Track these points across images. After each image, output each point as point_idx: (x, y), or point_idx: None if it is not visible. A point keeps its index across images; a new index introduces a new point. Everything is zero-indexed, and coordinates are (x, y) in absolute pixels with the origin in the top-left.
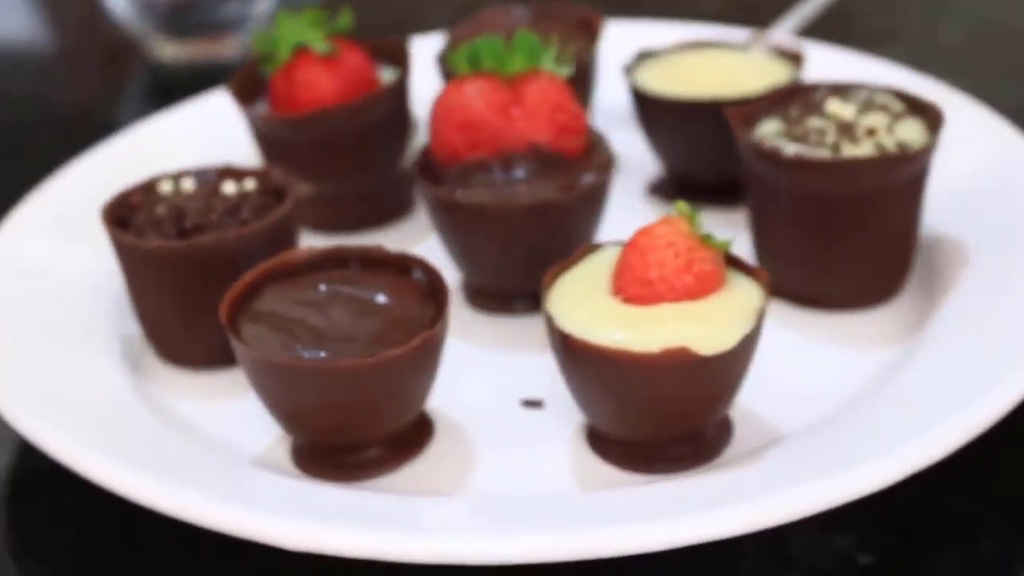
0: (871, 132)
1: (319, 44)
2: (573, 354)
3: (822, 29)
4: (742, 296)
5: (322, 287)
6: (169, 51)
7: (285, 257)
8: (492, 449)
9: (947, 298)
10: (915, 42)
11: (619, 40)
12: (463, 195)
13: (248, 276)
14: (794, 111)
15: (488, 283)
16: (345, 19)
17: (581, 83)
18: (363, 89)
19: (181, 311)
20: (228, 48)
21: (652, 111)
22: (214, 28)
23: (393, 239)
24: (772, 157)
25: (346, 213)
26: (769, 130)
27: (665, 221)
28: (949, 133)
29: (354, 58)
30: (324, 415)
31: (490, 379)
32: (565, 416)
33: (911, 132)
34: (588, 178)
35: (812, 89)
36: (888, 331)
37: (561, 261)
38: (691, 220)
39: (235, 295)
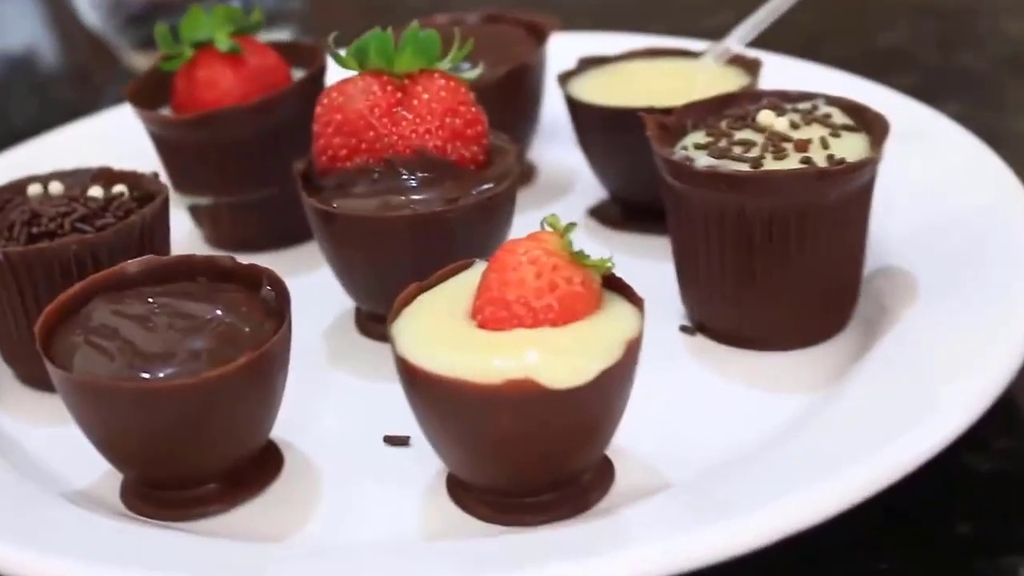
0: (801, 146)
1: (223, 42)
2: (412, 382)
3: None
4: (613, 325)
5: (156, 300)
6: (139, 61)
7: (122, 268)
8: (342, 490)
9: (879, 342)
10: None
11: (577, 51)
12: (339, 205)
13: (75, 288)
14: (724, 123)
15: (372, 305)
16: (256, 16)
17: (520, 90)
18: (267, 90)
19: (26, 325)
20: None
21: (584, 120)
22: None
23: (302, 259)
24: (682, 170)
25: (247, 229)
26: (692, 142)
27: (532, 237)
28: (913, 149)
29: (261, 58)
30: (141, 443)
31: (358, 411)
32: (431, 456)
33: (851, 147)
34: (481, 189)
35: (750, 99)
36: (811, 374)
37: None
38: (562, 235)
39: (56, 308)
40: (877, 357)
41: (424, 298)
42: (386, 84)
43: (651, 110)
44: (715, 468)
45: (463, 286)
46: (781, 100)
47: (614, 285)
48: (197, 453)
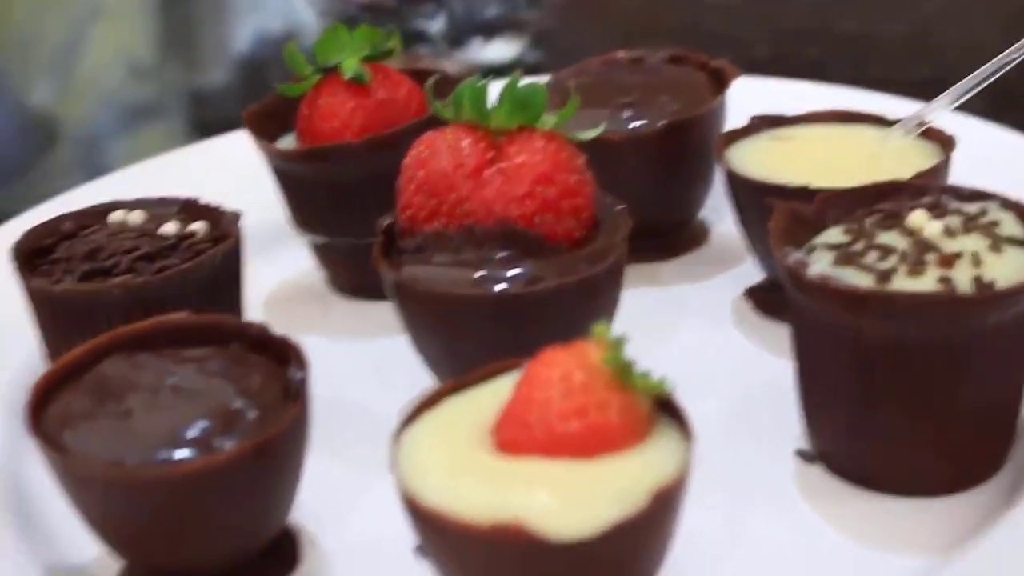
0: (947, 261)
1: (348, 68)
2: (409, 510)
3: None
4: (649, 465)
5: (171, 369)
6: None
7: (146, 325)
8: None
9: None
10: None
11: (760, 101)
12: (408, 273)
13: (89, 344)
14: (870, 220)
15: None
16: (393, 42)
17: (686, 144)
18: (394, 124)
19: None
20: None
21: (738, 192)
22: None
23: None
24: (793, 276)
25: (363, 275)
26: (825, 241)
27: (571, 347)
28: None
29: (392, 89)
30: (126, 530)
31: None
32: None
33: (1011, 266)
34: (570, 271)
35: (913, 191)
36: (938, 529)
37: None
38: (612, 349)
39: (61, 367)
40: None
41: (450, 403)
42: (479, 141)
43: (803, 191)
44: None
45: (499, 393)
46: (948, 197)
47: (672, 410)
48: (190, 545)
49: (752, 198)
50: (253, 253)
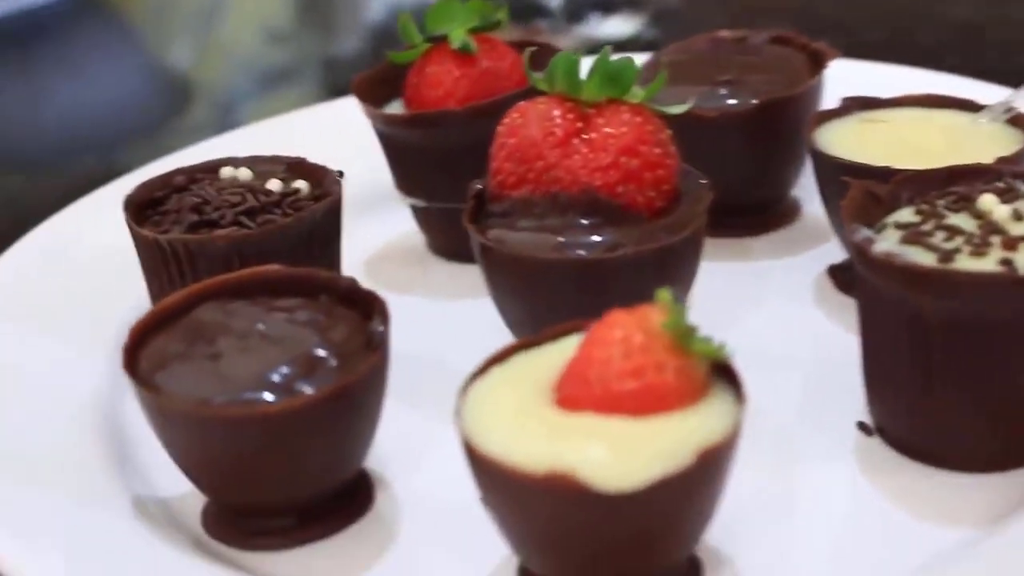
0: (1011, 243)
1: (456, 38)
2: (467, 453)
3: None
4: (699, 426)
5: (261, 317)
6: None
7: (242, 275)
8: (413, 551)
9: None
10: None
11: (856, 83)
12: (494, 236)
13: (184, 291)
14: (943, 201)
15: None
16: (500, 14)
17: (780, 123)
18: (497, 93)
19: None
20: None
21: (823, 172)
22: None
23: None
24: (860, 253)
25: (458, 239)
26: (896, 220)
27: (635, 311)
28: None
29: (496, 59)
30: (209, 466)
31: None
32: None
33: None
34: (650, 238)
35: (990, 174)
36: (991, 503)
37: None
38: (673, 313)
39: (159, 311)
40: None
41: (518, 359)
42: (569, 111)
43: (883, 172)
44: None
45: (565, 352)
46: (1022, 181)
47: (730, 375)
48: (270, 484)
49: (833, 177)
50: (359, 214)
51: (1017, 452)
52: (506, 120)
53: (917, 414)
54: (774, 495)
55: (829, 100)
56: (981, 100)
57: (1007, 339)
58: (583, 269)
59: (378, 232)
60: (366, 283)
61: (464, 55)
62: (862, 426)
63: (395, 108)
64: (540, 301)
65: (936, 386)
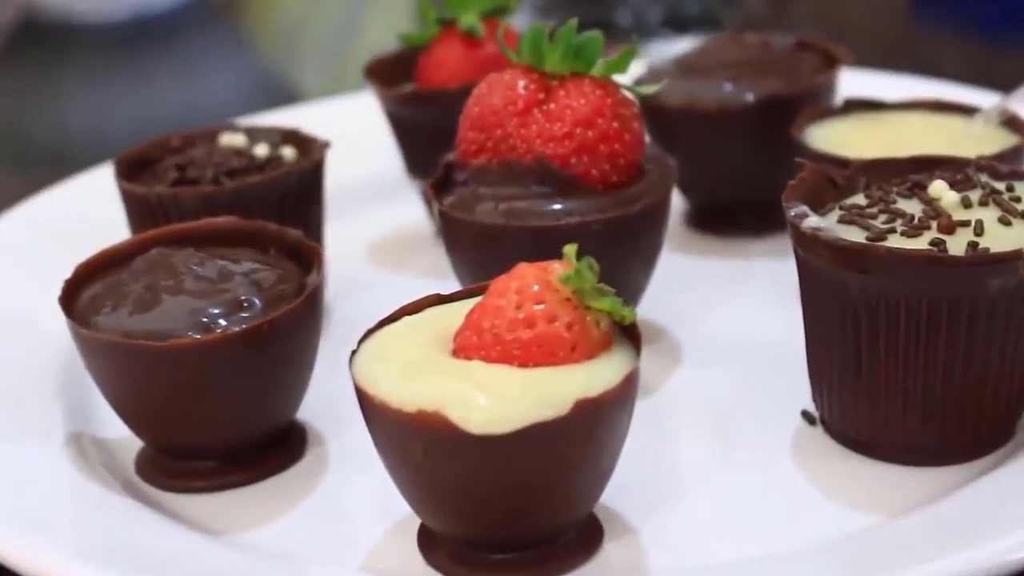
0: (948, 227)
1: (464, 22)
2: (358, 399)
3: None
4: (585, 379)
5: (203, 264)
6: None
7: (193, 225)
8: (334, 502)
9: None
10: None
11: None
12: (450, 202)
13: (139, 236)
14: (897, 188)
15: None
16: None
17: (776, 120)
18: None
19: None
20: None
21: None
22: None
23: None
24: (793, 228)
25: None
26: (849, 203)
27: (537, 266)
28: None
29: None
30: (136, 403)
31: None
32: None
33: (1016, 239)
34: (599, 210)
35: (954, 166)
36: (910, 495)
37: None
38: (574, 268)
39: (107, 254)
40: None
41: (433, 311)
42: (533, 82)
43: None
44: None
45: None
46: (984, 174)
47: (633, 336)
48: (194, 424)
49: None
50: (375, 197)
51: (954, 445)
52: (475, 90)
53: (850, 402)
54: (699, 472)
55: None
56: (982, 106)
57: (929, 323)
58: (531, 236)
59: (389, 217)
60: (367, 264)
61: (471, 38)
62: (806, 415)
63: (408, 90)
64: (490, 267)
65: (864, 371)
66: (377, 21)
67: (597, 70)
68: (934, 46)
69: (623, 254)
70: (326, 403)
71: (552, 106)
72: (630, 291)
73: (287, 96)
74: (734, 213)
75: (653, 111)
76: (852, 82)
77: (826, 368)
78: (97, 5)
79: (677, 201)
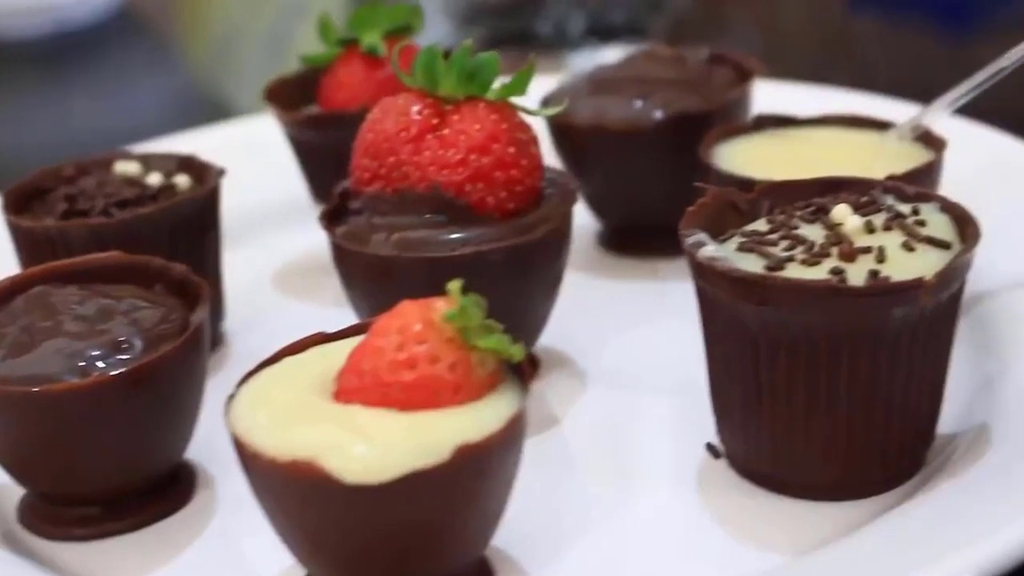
0: (849, 254)
1: (365, 41)
2: (234, 446)
3: None
4: (467, 423)
5: (84, 302)
6: None
7: (75, 262)
8: (212, 549)
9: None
10: None
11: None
12: (343, 232)
13: (25, 273)
14: (800, 212)
15: None
16: (413, 19)
17: (687, 137)
18: None
19: None
20: None
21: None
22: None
23: None
24: (689, 257)
25: None
26: (749, 229)
27: (421, 303)
28: None
29: (407, 61)
30: (10, 449)
31: None
32: None
33: (917, 266)
34: (495, 239)
35: (860, 187)
36: (817, 531)
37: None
38: (459, 306)
39: None
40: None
41: (316, 351)
42: (427, 107)
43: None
44: None
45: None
46: (889, 195)
47: (523, 374)
48: (67, 470)
49: None
50: (281, 222)
51: (861, 480)
52: (369, 115)
53: (754, 436)
54: (598, 509)
55: None
56: (898, 121)
57: (830, 355)
58: (425, 267)
59: (295, 243)
60: (271, 292)
61: (373, 59)
62: (711, 448)
63: (311, 112)
64: (385, 300)
65: (766, 405)
66: (312, 30)
67: (494, 93)
68: (870, 50)
69: (522, 284)
70: (217, 443)
71: (446, 132)
72: (530, 321)
73: (217, 110)
74: (647, 233)
75: (562, 130)
76: (774, 94)
77: (728, 402)
78: (17, 21)
79: (591, 221)
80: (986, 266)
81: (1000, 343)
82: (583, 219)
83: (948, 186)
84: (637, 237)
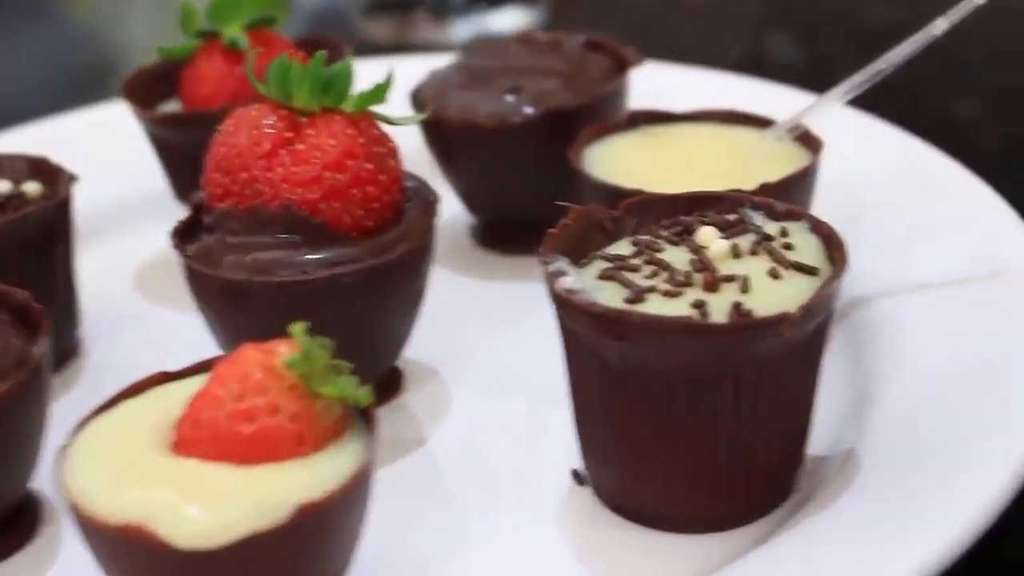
0: (712, 284)
1: (227, 33)
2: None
3: None
4: (309, 478)
5: None
6: (377, 29)
7: None
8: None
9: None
10: None
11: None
12: (193, 251)
13: None
14: (666, 232)
15: None
16: (278, 9)
17: (563, 135)
18: None
19: None
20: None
21: (585, 194)
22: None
23: None
24: (549, 288)
25: None
26: (612, 251)
27: (262, 348)
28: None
29: (268, 55)
30: None
31: None
32: None
33: (784, 296)
34: (352, 260)
35: (729, 203)
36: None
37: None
38: (302, 350)
39: None
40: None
41: (156, 393)
42: (281, 120)
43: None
44: None
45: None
46: (758, 212)
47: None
48: None
49: (592, 198)
50: (144, 219)
51: (726, 513)
52: (222, 126)
53: (617, 470)
54: (458, 540)
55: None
56: (778, 116)
57: (693, 391)
58: (278, 292)
59: (159, 243)
60: (132, 298)
61: (234, 52)
62: (576, 475)
63: (172, 107)
64: (240, 326)
65: (627, 440)
66: None
67: (350, 103)
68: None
69: (381, 305)
70: None
71: (300, 147)
72: (392, 339)
73: (106, 66)
74: (521, 229)
75: (432, 126)
76: (656, 77)
77: (591, 433)
78: None
79: (463, 213)
80: (865, 273)
81: (873, 357)
82: (455, 211)
83: (832, 186)
84: (511, 233)
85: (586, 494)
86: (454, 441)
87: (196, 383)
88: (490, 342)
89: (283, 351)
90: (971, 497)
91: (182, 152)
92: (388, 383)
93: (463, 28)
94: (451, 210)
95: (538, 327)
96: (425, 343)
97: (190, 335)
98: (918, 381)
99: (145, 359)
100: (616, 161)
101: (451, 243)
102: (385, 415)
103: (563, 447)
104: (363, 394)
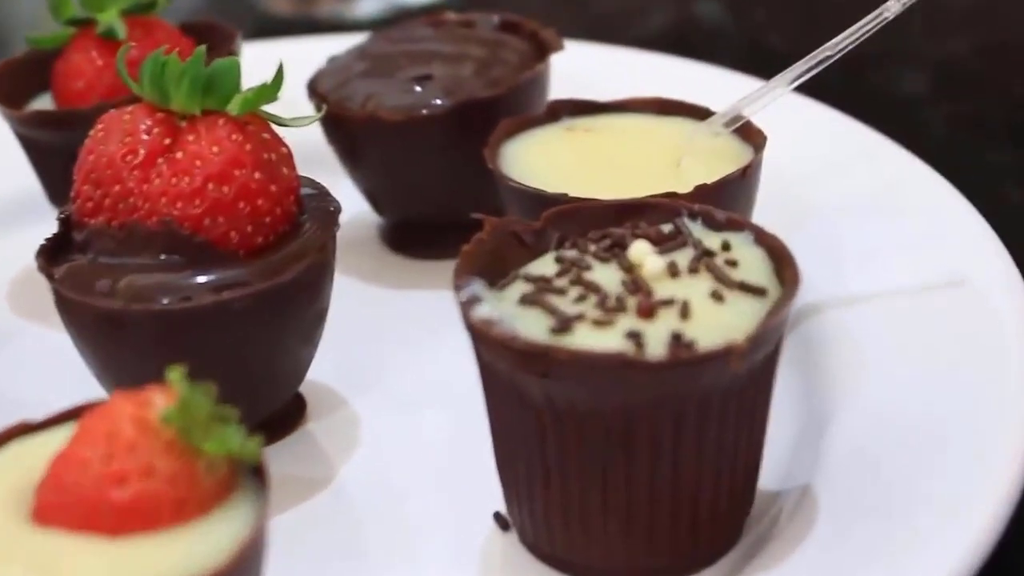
0: (647, 310)
1: (103, 21)
2: None
3: None
4: (192, 549)
5: None
6: (280, 5)
7: None
8: None
9: None
10: None
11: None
12: (61, 272)
13: None
14: (593, 247)
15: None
16: None
17: (480, 130)
18: None
19: None
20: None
21: (504, 196)
22: None
23: None
24: (463, 316)
25: None
26: (534, 271)
27: (135, 400)
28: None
29: (150, 45)
30: None
31: None
32: None
33: (727, 322)
34: (240, 283)
35: (664, 211)
36: None
37: None
38: (180, 401)
39: None
40: None
41: (15, 447)
42: (157, 125)
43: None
44: None
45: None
46: (700, 222)
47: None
48: None
49: (513, 203)
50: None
51: (668, 563)
52: (92, 132)
53: (543, 516)
54: None
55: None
56: (714, 106)
57: (627, 431)
58: (157, 321)
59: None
60: (5, 312)
61: (111, 42)
62: (499, 518)
63: (44, 103)
64: (115, 357)
65: (555, 485)
66: None
67: (236, 105)
68: None
69: (276, 332)
70: None
71: (180, 155)
72: (288, 372)
73: None
74: (433, 232)
75: (334, 120)
76: (581, 62)
77: (514, 477)
78: None
79: (370, 213)
80: (813, 279)
81: (825, 375)
82: (361, 210)
83: (773, 181)
84: (421, 235)
85: (511, 540)
86: (365, 478)
87: (61, 436)
88: (402, 358)
89: (158, 402)
90: (943, 541)
91: (55, 154)
92: (288, 412)
93: (370, 3)
94: (356, 208)
95: (455, 339)
96: (329, 363)
97: (73, 358)
98: (875, 401)
99: (17, 388)
100: (536, 160)
101: (356, 246)
102: (287, 450)
103: (486, 481)
104: (252, 447)
